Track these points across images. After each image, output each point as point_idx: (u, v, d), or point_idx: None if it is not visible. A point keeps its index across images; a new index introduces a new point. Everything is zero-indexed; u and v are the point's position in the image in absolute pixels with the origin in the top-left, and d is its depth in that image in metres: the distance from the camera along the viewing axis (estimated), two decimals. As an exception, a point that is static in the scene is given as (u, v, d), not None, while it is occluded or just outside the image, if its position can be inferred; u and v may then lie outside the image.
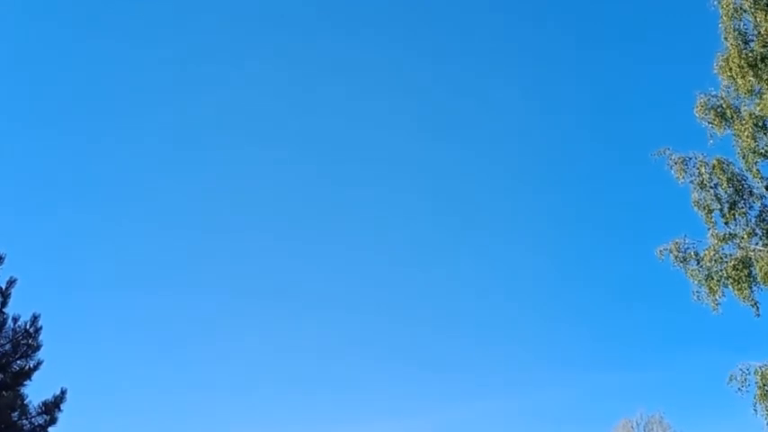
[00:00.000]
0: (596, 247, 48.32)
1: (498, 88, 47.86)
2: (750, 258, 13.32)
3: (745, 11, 13.76)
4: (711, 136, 13.98)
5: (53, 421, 14.85)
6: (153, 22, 44.05)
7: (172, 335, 44.87)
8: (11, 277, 15.27)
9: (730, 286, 13.39)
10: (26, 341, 14.91)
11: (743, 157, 13.57)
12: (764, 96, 13.24)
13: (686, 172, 13.92)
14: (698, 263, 13.76)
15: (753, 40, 13.75)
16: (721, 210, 13.61)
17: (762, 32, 13.51)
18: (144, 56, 44.66)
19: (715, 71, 14.08)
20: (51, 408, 14.82)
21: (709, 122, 13.97)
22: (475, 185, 48.46)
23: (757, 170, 13.49)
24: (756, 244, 13.38)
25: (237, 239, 46.57)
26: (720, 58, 13.96)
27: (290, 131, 47.05)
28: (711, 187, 13.70)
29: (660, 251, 14.14)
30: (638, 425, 36.51)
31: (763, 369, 12.82)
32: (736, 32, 13.82)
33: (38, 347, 15.07)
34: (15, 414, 14.40)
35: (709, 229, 13.76)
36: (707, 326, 45.29)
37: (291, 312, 47.59)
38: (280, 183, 47.84)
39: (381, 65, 47.49)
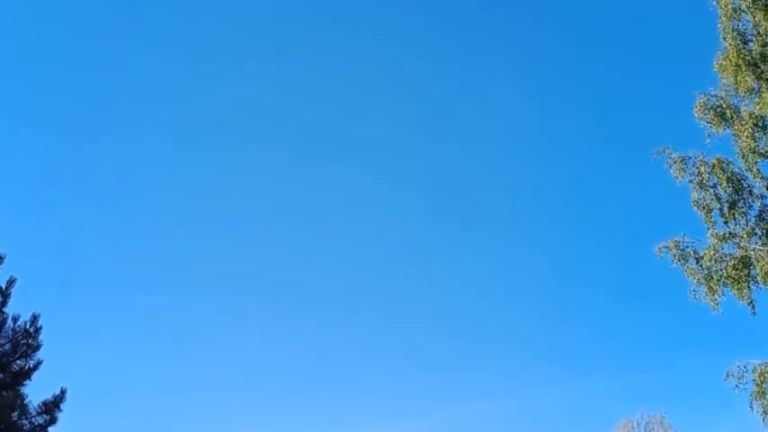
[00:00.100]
0: (596, 248, 48.40)
1: (498, 88, 47.97)
2: (750, 258, 13.31)
3: (743, 11, 13.76)
4: (710, 135, 13.99)
5: (53, 421, 14.86)
6: (153, 23, 44.14)
7: (172, 335, 44.94)
8: (11, 277, 15.32)
9: (730, 286, 13.38)
10: (26, 341, 14.93)
11: (742, 157, 13.56)
12: (764, 96, 13.24)
13: (686, 171, 13.91)
14: (697, 261, 13.75)
15: (752, 40, 13.75)
16: (721, 209, 13.60)
17: (761, 32, 13.51)
18: (144, 56, 44.71)
19: (715, 70, 14.09)
20: (51, 407, 14.83)
21: (708, 122, 13.96)
22: (475, 185, 48.55)
23: (757, 170, 13.48)
24: (756, 244, 13.37)
25: (237, 239, 46.65)
26: (720, 57, 13.95)
27: (290, 131, 47.14)
28: (711, 187, 13.69)
29: (659, 249, 14.12)
30: (638, 425, 36.52)
31: (761, 367, 12.82)
32: (735, 32, 13.82)
33: (37, 347, 15.09)
34: (15, 414, 14.41)
35: (708, 228, 13.75)
36: (707, 326, 45.30)
37: (291, 312, 47.69)
38: (280, 183, 47.93)
39: (381, 65, 47.58)
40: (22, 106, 44.02)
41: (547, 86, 47.69)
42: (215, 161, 46.56)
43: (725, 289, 13.47)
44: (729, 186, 13.58)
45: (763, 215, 13.56)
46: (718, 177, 13.62)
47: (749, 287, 13.24)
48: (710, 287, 13.54)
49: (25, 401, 14.62)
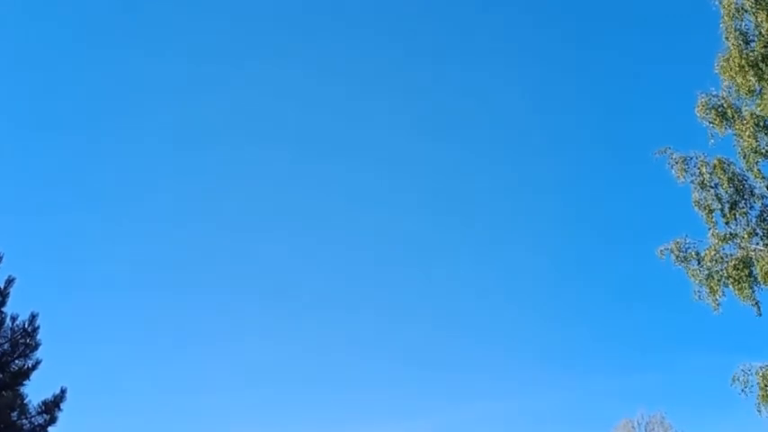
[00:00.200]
0: (597, 248, 48.35)
1: (498, 88, 47.90)
2: (751, 258, 13.30)
3: (746, 11, 13.73)
4: (712, 136, 13.97)
5: (53, 421, 14.83)
6: (153, 23, 44.09)
7: (172, 335, 44.89)
8: (9, 276, 15.29)
9: (731, 286, 13.37)
10: (24, 340, 14.90)
11: (744, 157, 13.55)
12: (765, 96, 13.22)
13: (687, 172, 13.89)
14: (699, 263, 13.74)
15: (754, 41, 13.73)
16: (722, 210, 13.59)
17: (763, 32, 13.48)
18: (144, 56, 44.66)
19: (716, 71, 14.06)
20: (51, 407, 14.80)
21: (710, 122, 13.94)
22: (475, 185, 48.46)
23: (758, 170, 13.48)
24: (757, 244, 13.36)
25: (237, 239, 46.61)
26: (721, 58, 13.93)
27: (290, 131, 47.07)
28: (712, 187, 13.68)
29: (661, 251, 14.12)
30: (638, 425, 36.49)
31: (764, 370, 12.80)
32: (738, 32, 13.80)
33: (36, 346, 15.06)
34: (15, 413, 14.38)
35: (709, 228, 13.74)
36: (707, 327, 45.33)
37: (291, 312, 47.66)
38: (280, 183, 47.89)
39: (381, 65, 47.52)
40: (21, 106, 44.04)
41: (547, 86, 47.67)
42: (215, 161, 46.53)
43: (726, 289, 13.46)
44: (730, 187, 13.57)
45: (764, 215, 13.55)
46: (720, 178, 13.60)
47: (750, 287, 13.23)
48: (711, 287, 13.54)
49: (25, 401, 14.59)
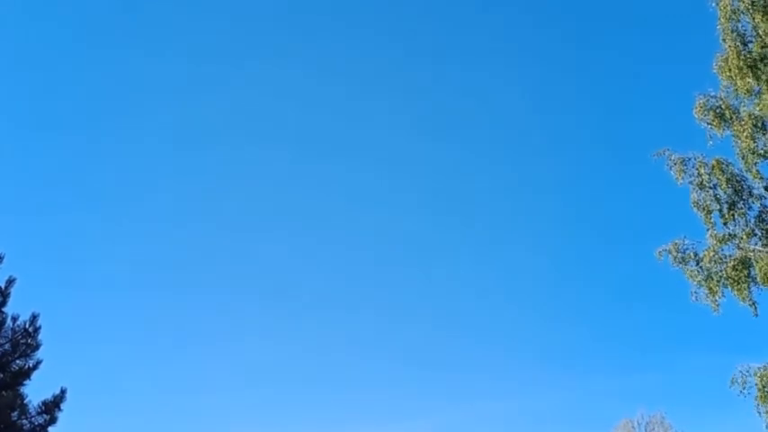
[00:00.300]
0: (596, 248, 48.37)
1: (498, 88, 47.93)
2: (749, 259, 13.32)
3: (743, 12, 13.76)
4: (711, 137, 14.00)
5: (53, 421, 14.86)
6: (153, 23, 44.14)
7: (172, 335, 44.93)
8: (10, 276, 15.32)
9: (730, 287, 13.39)
10: (25, 340, 14.93)
11: (742, 158, 13.57)
12: (763, 97, 13.24)
13: (685, 172, 13.92)
14: (697, 263, 13.76)
15: (751, 42, 13.75)
16: (720, 210, 13.61)
17: (760, 34, 13.51)
18: (144, 56, 44.71)
19: (714, 71, 14.09)
20: (51, 407, 14.83)
21: (708, 123, 13.97)
22: (475, 185, 48.48)
23: (757, 171, 13.49)
24: (756, 244, 13.38)
25: (237, 239, 46.66)
26: (719, 58, 13.96)
27: (290, 131, 47.11)
28: (711, 188, 13.70)
29: (659, 252, 14.15)
30: (639, 425, 36.49)
31: (762, 371, 12.82)
32: (735, 34, 13.82)
33: (37, 347, 15.09)
34: (15, 413, 14.41)
35: (708, 229, 13.76)
36: (707, 327, 45.36)
37: (291, 312, 47.68)
38: (280, 183, 47.92)
39: (381, 65, 47.55)
40: (21, 106, 44.08)
41: (547, 86, 47.70)
42: (215, 161, 46.57)
43: (725, 290, 13.48)
44: (729, 187, 13.59)
45: (763, 216, 13.57)
46: (718, 178, 13.62)
47: (749, 288, 13.25)
48: (710, 288, 13.56)
49: (25, 401, 14.61)
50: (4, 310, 15.09)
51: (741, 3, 13.73)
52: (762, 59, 13.40)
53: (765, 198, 13.63)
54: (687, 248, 13.94)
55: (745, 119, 13.53)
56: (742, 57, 13.48)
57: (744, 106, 13.76)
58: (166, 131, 45.81)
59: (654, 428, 36.48)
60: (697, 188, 13.81)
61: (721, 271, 13.47)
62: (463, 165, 48.14)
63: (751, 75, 13.31)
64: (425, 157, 48.82)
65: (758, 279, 13.17)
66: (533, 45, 47.66)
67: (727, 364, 13.42)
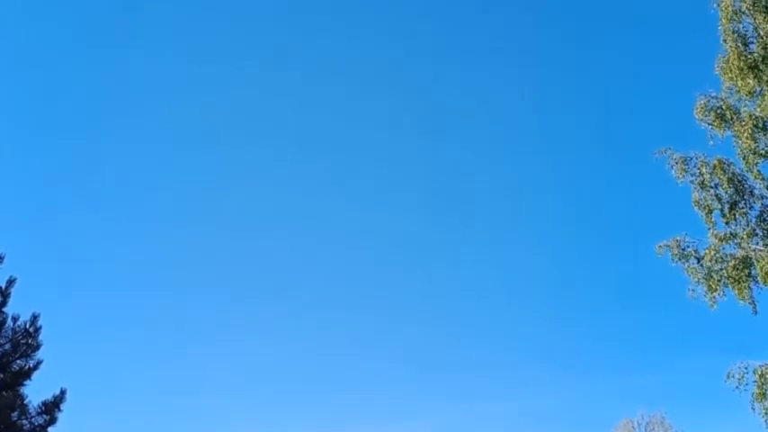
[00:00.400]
0: (596, 248, 48.37)
1: (498, 88, 47.91)
2: (750, 258, 13.32)
3: (744, 13, 13.78)
4: (712, 137, 14.01)
5: (53, 421, 14.86)
6: (153, 23, 44.11)
7: (172, 335, 44.90)
8: (10, 277, 15.33)
9: (730, 286, 13.39)
10: (26, 341, 14.92)
11: (743, 158, 13.58)
12: (765, 98, 13.26)
13: (687, 172, 13.92)
14: (698, 261, 13.76)
15: (752, 42, 13.77)
16: (721, 210, 13.62)
17: (761, 35, 13.53)
18: (144, 56, 44.68)
19: (716, 72, 14.10)
20: (51, 408, 14.83)
21: (709, 124, 13.98)
22: (475, 185, 48.47)
23: (758, 171, 13.52)
24: (757, 244, 13.39)
25: (237, 239, 46.65)
26: (721, 59, 13.98)
27: (291, 131, 47.10)
28: (712, 187, 13.70)
29: (660, 247, 14.14)
30: (639, 425, 36.50)
31: (762, 369, 12.82)
32: (736, 35, 13.84)
33: (37, 347, 15.09)
34: (15, 414, 14.40)
35: (709, 228, 13.78)
36: (707, 328, 45.25)
37: (291, 312, 47.66)
38: (279, 183, 47.90)
39: (381, 65, 47.54)
40: (22, 106, 44.05)
41: (547, 86, 47.69)
42: (215, 161, 46.54)
43: (725, 290, 13.48)
44: (730, 187, 13.59)
45: (764, 216, 13.58)
46: (719, 178, 13.63)
47: (750, 287, 13.26)
48: (710, 286, 13.56)
49: (25, 401, 14.61)
50: (5, 310, 15.10)
51: (743, 3, 13.75)
52: (763, 60, 13.41)
53: (766, 198, 13.64)
54: (688, 245, 13.94)
55: (746, 119, 13.54)
56: (743, 58, 13.49)
57: (745, 107, 13.78)
58: (166, 131, 45.85)
59: (654, 428, 36.50)
60: (698, 187, 13.82)
61: (722, 270, 13.47)
62: (463, 165, 48.17)
63: (752, 76, 13.33)
64: (425, 157, 48.89)
65: (759, 279, 13.16)
66: (533, 45, 47.70)
67: (726, 365, 13.42)
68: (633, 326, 45.89)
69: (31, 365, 15.00)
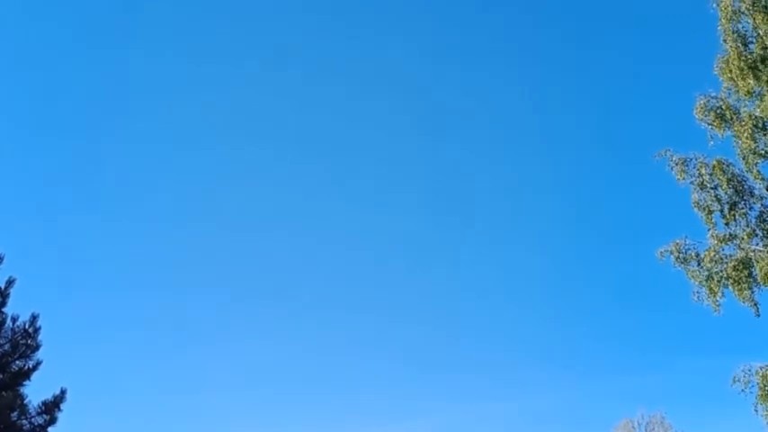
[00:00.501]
0: (597, 248, 48.33)
1: (498, 88, 47.89)
2: (750, 259, 13.32)
3: (743, 13, 13.78)
4: (712, 137, 14.01)
5: (53, 421, 14.86)
6: (152, 23, 44.10)
7: (172, 335, 44.91)
8: (10, 277, 15.34)
9: (730, 287, 13.39)
10: (25, 341, 14.93)
11: (743, 159, 13.58)
12: (765, 98, 13.25)
13: (686, 173, 13.93)
14: (698, 264, 13.76)
15: (752, 43, 13.77)
16: (721, 210, 13.62)
17: (761, 35, 13.53)
18: (144, 56, 44.67)
19: (715, 72, 14.11)
20: (51, 408, 14.83)
21: (708, 124, 13.98)
22: (475, 185, 48.45)
23: (757, 171, 13.51)
24: (757, 245, 13.38)
25: (237, 239, 46.63)
26: (720, 59, 13.98)
27: (291, 131, 47.07)
28: (712, 188, 13.70)
29: (661, 252, 14.15)
30: (639, 425, 36.49)
31: (764, 370, 12.82)
32: (736, 35, 13.84)
33: (37, 347, 15.10)
34: (15, 414, 14.40)
35: (709, 229, 13.77)
36: (707, 328, 45.30)
37: (291, 312, 47.66)
38: (279, 183, 47.88)
39: (381, 65, 47.52)
40: (22, 106, 44.06)
41: (547, 86, 47.66)
42: (215, 161, 46.53)
43: (725, 290, 13.48)
44: (730, 188, 13.59)
45: (764, 216, 13.57)
46: (719, 179, 13.63)
47: (750, 288, 13.25)
48: (711, 288, 13.56)
49: (25, 401, 14.62)
50: (4, 310, 15.10)
51: (742, 3, 13.75)
52: (762, 61, 13.40)
53: (766, 198, 13.63)
54: (688, 248, 13.95)
55: (746, 119, 13.53)
56: (742, 58, 13.49)
57: (744, 107, 13.77)
58: (166, 131, 45.83)
59: (654, 428, 36.48)
60: (698, 188, 13.83)
61: (722, 271, 13.47)
62: (463, 165, 48.14)
63: (752, 76, 13.32)
64: (425, 157, 48.86)
65: (759, 279, 13.16)
66: (533, 45, 47.66)
67: (726, 365, 13.44)
68: (633, 326, 45.90)
69: (31, 366, 15.01)
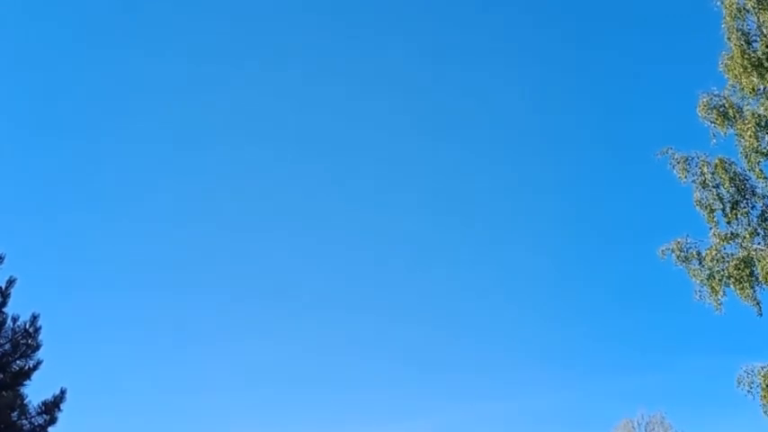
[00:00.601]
0: (597, 248, 48.33)
1: (498, 88, 47.88)
2: (752, 258, 13.29)
3: (748, 11, 13.74)
4: (714, 135, 13.98)
5: (53, 421, 14.84)
6: (152, 23, 44.07)
7: (172, 335, 44.87)
8: (10, 277, 15.32)
9: (732, 286, 13.36)
10: (26, 341, 14.91)
11: (745, 157, 13.55)
12: (769, 96, 13.23)
13: (689, 171, 13.89)
14: (700, 262, 13.72)
15: (756, 41, 13.74)
16: (723, 209, 13.59)
17: (765, 33, 13.49)
18: (144, 56, 44.64)
19: (720, 70, 14.08)
20: (51, 408, 14.81)
21: (711, 122, 13.95)
22: (475, 185, 48.43)
23: (760, 170, 13.48)
24: (758, 243, 13.35)
25: (237, 239, 46.61)
26: (725, 57, 13.95)
27: (291, 131, 47.06)
28: (714, 187, 13.67)
29: (662, 251, 14.11)
30: (639, 425, 36.48)
31: (766, 370, 12.78)
32: (740, 33, 13.81)
33: (37, 347, 15.08)
34: (15, 414, 14.38)
35: (711, 228, 13.73)
36: (707, 328, 45.23)
37: (291, 312, 47.63)
38: (279, 183, 47.87)
39: (381, 65, 47.49)
40: (21, 106, 44.01)
41: (547, 86, 47.65)
42: (215, 161, 46.51)
43: (727, 289, 13.45)
44: (732, 186, 13.57)
45: (766, 215, 13.55)
46: (721, 177, 13.60)
47: (752, 287, 13.22)
48: (712, 287, 13.52)
49: (25, 401, 14.60)
50: (5, 310, 15.08)
51: (747, 1, 13.71)
52: (767, 59, 13.37)
53: (768, 197, 13.61)
54: (690, 247, 13.90)
55: (749, 118, 13.50)
56: (746, 56, 13.46)
57: (747, 105, 13.74)
58: (166, 131, 45.81)
59: (654, 428, 36.47)
60: (700, 187, 13.79)
61: (723, 270, 13.43)
62: (463, 165, 48.12)
63: (756, 74, 13.29)
64: (425, 157, 48.85)
65: (761, 278, 13.13)
66: (533, 45, 47.65)
67: (726, 365, 13.46)
68: (633, 326, 45.88)
69: (31, 365, 14.99)
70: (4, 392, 14.39)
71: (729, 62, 13.75)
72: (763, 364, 12.93)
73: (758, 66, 13.33)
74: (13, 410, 14.30)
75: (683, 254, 13.94)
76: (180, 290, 45.71)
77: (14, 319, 15.02)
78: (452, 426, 41.89)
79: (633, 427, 36.48)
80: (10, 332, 14.89)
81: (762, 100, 13.40)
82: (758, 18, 13.52)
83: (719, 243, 13.61)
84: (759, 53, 13.51)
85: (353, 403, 44.95)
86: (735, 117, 13.70)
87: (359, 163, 48.84)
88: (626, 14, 44.63)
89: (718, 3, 14.26)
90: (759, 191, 13.59)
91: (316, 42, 45.77)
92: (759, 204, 13.58)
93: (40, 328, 15.22)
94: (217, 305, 44.76)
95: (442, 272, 48.91)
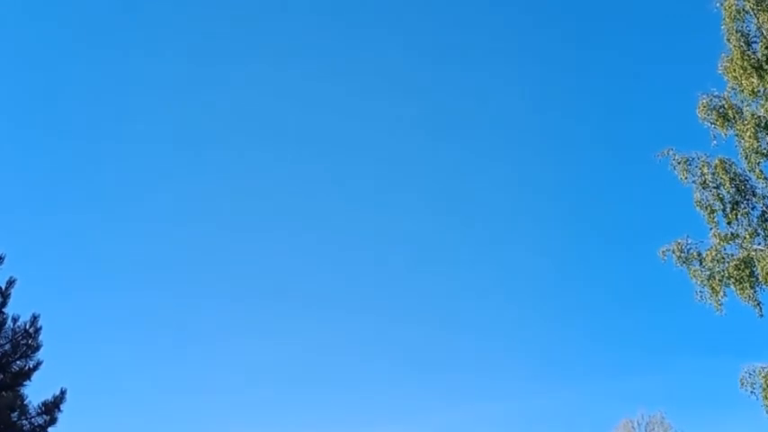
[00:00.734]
0: (597, 248, 48.31)
1: (498, 88, 47.88)
2: (752, 258, 13.30)
3: (747, 12, 13.76)
4: (714, 136, 14.00)
5: (53, 421, 14.83)
6: (153, 23, 44.07)
7: (172, 335, 44.85)
8: (11, 277, 15.29)
9: (732, 286, 13.37)
10: (26, 341, 14.90)
11: (745, 158, 13.57)
12: (769, 98, 13.24)
13: (689, 172, 13.92)
14: (700, 263, 13.73)
15: (756, 42, 13.75)
16: (724, 210, 13.61)
17: (765, 34, 13.50)
18: (144, 56, 44.64)
19: (720, 71, 14.10)
20: (51, 408, 14.80)
21: (711, 123, 13.98)
22: (475, 185, 48.41)
23: (760, 170, 13.51)
24: (759, 244, 13.37)
25: (237, 239, 46.60)
26: (725, 58, 13.99)
27: (291, 131, 47.03)
28: (714, 187, 13.69)
29: (663, 252, 14.13)
30: (639, 425, 36.48)
31: (767, 371, 12.79)
32: (739, 34, 13.83)
33: (37, 348, 15.06)
34: (15, 414, 14.37)
35: (711, 229, 13.75)
36: (708, 329, 45.23)
37: (291, 312, 47.63)
38: (279, 183, 47.86)
39: (381, 65, 47.50)
40: (21, 106, 44.02)
41: (547, 86, 47.65)
42: (214, 161, 46.52)
43: (727, 290, 13.46)
44: (732, 187, 13.59)
45: (766, 216, 13.57)
46: (721, 178, 13.62)
47: (752, 287, 13.23)
48: (713, 288, 13.54)
49: (25, 402, 14.58)
50: (5, 310, 15.06)
51: (747, 3, 13.73)
52: (767, 60, 13.38)
53: (768, 198, 13.62)
54: (690, 248, 13.92)
55: (749, 119, 13.52)
56: (746, 57, 13.48)
57: (747, 106, 13.75)
58: (166, 131, 45.80)
59: (654, 429, 36.47)
60: (700, 188, 13.82)
61: (724, 270, 13.44)
62: (463, 165, 48.11)
63: (755, 76, 13.31)
64: (425, 157, 48.84)
65: (761, 279, 13.14)
66: (533, 45, 47.64)
67: (726, 366, 13.46)
68: (633, 326, 45.86)
69: (31, 366, 14.98)
70: (4, 393, 14.39)
71: (729, 64, 13.76)
72: (763, 365, 12.95)
73: (758, 67, 13.35)
74: (13, 411, 14.29)
75: (683, 254, 13.96)
76: (180, 290, 45.74)
77: (14, 320, 15.01)
78: (452, 426, 41.91)
79: (633, 428, 36.49)
80: (10, 332, 14.88)
81: (761, 101, 13.42)
82: (758, 19, 13.54)
83: (720, 244, 13.63)
84: (759, 55, 13.53)
85: (353, 403, 44.98)
86: (734, 118, 13.71)
87: (359, 163, 48.88)
88: (626, 14, 44.67)
89: (718, 4, 14.29)
90: (759, 191, 13.61)
91: (316, 42, 45.82)
92: (759, 205, 13.60)
93: (40, 328, 15.22)
94: (217, 305, 44.77)
95: (442, 272, 48.90)
